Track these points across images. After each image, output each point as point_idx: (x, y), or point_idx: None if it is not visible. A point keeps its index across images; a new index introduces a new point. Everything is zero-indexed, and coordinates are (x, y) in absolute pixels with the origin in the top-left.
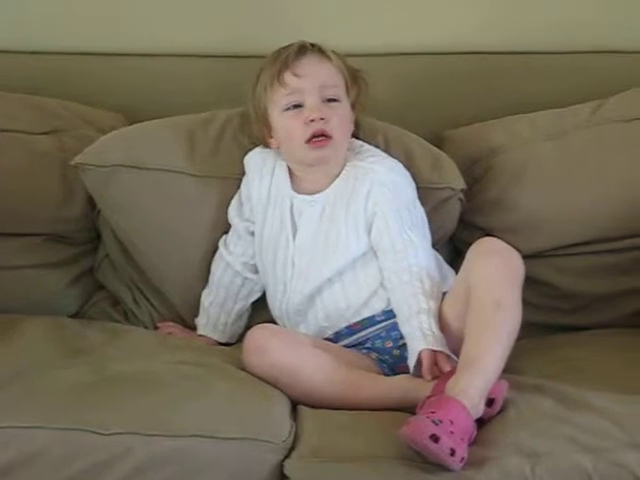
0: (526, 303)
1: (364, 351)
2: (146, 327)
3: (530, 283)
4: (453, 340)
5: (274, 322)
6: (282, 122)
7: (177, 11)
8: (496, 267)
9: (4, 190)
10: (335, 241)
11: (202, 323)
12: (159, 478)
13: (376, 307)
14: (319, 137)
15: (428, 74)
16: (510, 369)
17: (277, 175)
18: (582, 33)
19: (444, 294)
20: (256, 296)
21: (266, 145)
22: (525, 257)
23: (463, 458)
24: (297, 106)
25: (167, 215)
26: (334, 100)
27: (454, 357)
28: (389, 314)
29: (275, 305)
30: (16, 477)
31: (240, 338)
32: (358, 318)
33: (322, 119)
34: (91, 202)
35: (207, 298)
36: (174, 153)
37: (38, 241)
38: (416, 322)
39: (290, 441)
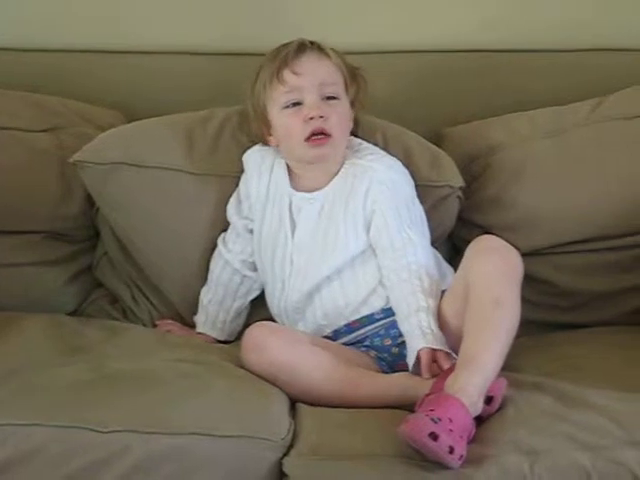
0: (525, 301)
1: (363, 349)
2: (145, 325)
3: (529, 281)
4: (452, 338)
5: (273, 320)
6: (281, 120)
7: (176, 9)
8: (495, 265)
9: (3, 187)
10: (334, 239)
11: (201, 321)
12: (158, 476)
13: (375, 305)
14: (318, 135)
15: (427, 72)
16: (509, 367)
17: (276, 173)
18: (582, 31)
19: (443, 292)
20: (255, 294)
21: (265, 143)
22: (524, 255)
23: (462, 456)
24: (296, 104)
25: (166, 213)
26: (333, 98)
27: (454, 355)
28: (388, 312)
29: (274, 303)
30: (14, 474)
31: (239, 336)
32: (357, 316)
33: (321, 117)
34: (90, 200)
35: (206, 296)
36: (173, 151)
37: (37, 239)
38: (415, 320)
39: (289, 439)
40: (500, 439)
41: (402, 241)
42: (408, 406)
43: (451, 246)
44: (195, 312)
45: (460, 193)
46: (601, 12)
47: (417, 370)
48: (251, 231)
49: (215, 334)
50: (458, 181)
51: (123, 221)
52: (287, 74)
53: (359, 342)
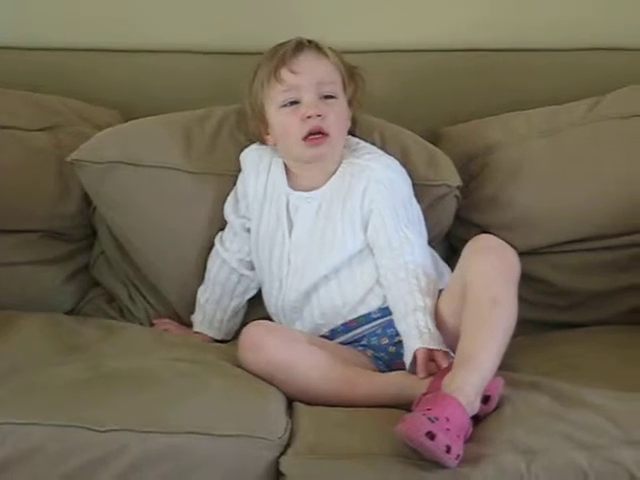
0: (522, 300)
1: (360, 348)
2: (142, 324)
3: (526, 280)
4: (449, 337)
5: (270, 319)
6: (279, 119)
7: (174, 8)
8: (492, 264)
9: (0, 186)
10: (331, 238)
11: (198, 320)
12: (155, 475)
13: (372, 304)
14: (316, 134)
15: (425, 71)
16: (506, 366)
17: (273, 172)
18: (580, 30)
19: (440, 291)
20: (252, 293)
21: (263, 142)
22: (521, 254)
23: (459, 455)
24: (294, 103)
25: (163, 212)
26: (331, 97)
27: (452, 354)
28: (385, 311)
29: (271, 302)
30: (12, 473)
31: (236, 335)
32: (354, 315)
33: (319, 116)
34: (87, 199)
35: (203, 295)
36: (170, 150)
37: (34, 238)
38: (412, 320)
39: (286, 438)
40: (497, 438)
41: (399, 240)
42: (405, 405)
43: (448, 245)
44: (192, 311)
45: (457, 192)
46: (599, 11)
47: (414, 369)
48: (248, 230)
49: (212, 333)
50: (455, 180)
51: (120, 220)
52: (285, 73)
53: (356, 341)
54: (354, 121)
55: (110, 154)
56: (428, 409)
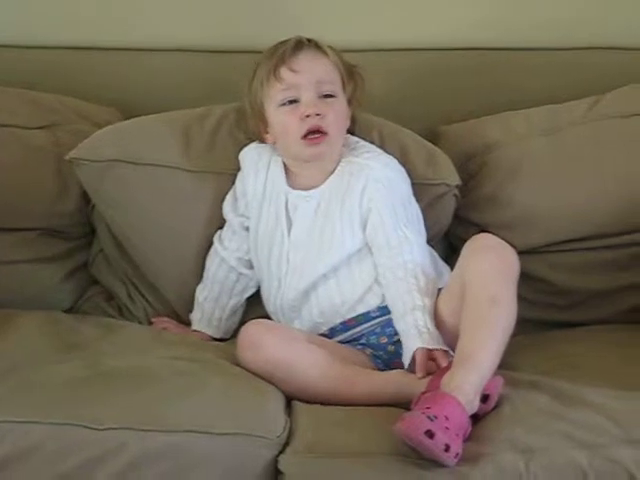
0: (521, 299)
1: (359, 347)
2: (140, 322)
3: (525, 279)
4: (448, 336)
5: (268, 318)
6: (278, 117)
7: (174, 6)
8: (491, 263)
9: None
10: (330, 237)
11: (196, 318)
12: (153, 473)
13: (371, 303)
14: (315, 133)
15: (424, 70)
16: (505, 365)
17: (272, 171)
18: (579, 29)
19: (439, 290)
20: (251, 292)
21: (262, 140)
22: (520, 253)
23: (458, 454)
24: (293, 101)
25: (162, 210)
26: (330, 96)
27: (452, 352)
28: (384, 310)
29: (270, 301)
30: (11, 472)
31: (234, 334)
32: (353, 314)
33: (318, 115)
34: (86, 197)
35: (202, 293)
36: (169, 148)
37: (32, 236)
38: (411, 319)
39: (284, 436)
40: (496, 437)
41: (398, 239)
42: (404, 404)
43: (447, 244)
44: (191, 309)
45: (456, 191)
46: (599, 10)
47: (413, 369)
48: (247, 229)
49: (211, 332)
50: (454, 179)
51: (119, 218)
52: (284, 71)
53: (355, 340)
54: (353, 120)
55: (109, 152)
56: (427, 408)
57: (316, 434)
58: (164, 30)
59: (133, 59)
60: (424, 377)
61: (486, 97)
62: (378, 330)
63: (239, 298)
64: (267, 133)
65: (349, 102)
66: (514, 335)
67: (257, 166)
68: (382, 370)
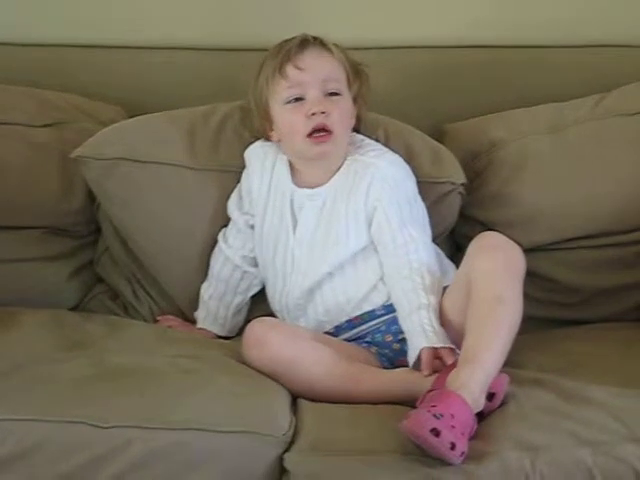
0: (527, 297)
1: (364, 345)
2: (146, 320)
3: (531, 277)
4: (454, 335)
5: (273, 316)
6: (283, 115)
7: (179, 4)
8: (497, 262)
9: (4, 183)
10: (335, 235)
11: (201, 316)
12: (159, 471)
13: (376, 301)
14: (320, 132)
15: (429, 68)
16: (511, 363)
17: (278, 169)
18: (585, 27)
19: (445, 289)
20: (255, 290)
21: (267, 138)
22: (526, 251)
23: (463, 452)
24: (298, 99)
25: (167, 208)
26: (336, 94)
27: (457, 350)
28: (389, 308)
29: (275, 299)
30: (15, 470)
31: (240, 332)
32: (358, 312)
33: (323, 113)
34: (91, 195)
35: (206, 291)
36: (174, 146)
37: (38, 234)
38: (416, 318)
39: (290, 435)
40: (501, 435)
41: (403, 238)
42: (410, 402)
43: (453, 243)
44: (196, 308)
45: (462, 189)
46: (603, 8)
47: (418, 367)
48: (252, 227)
49: (216, 330)
50: (460, 177)
51: (124, 216)
52: (290, 69)
53: (360, 338)
54: (359, 118)
55: (114, 150)
56: (433, 406)
57: (322, 432)
58: (169, 28)
59: (138, 57)
60: (431, 375)
61: (492, 95)
62: (383, 328)
63: (244, 296)
64: (272, 131)
65: (354, 100)
66: (520, 333)
67: (263, 164)
68: (387, 368)
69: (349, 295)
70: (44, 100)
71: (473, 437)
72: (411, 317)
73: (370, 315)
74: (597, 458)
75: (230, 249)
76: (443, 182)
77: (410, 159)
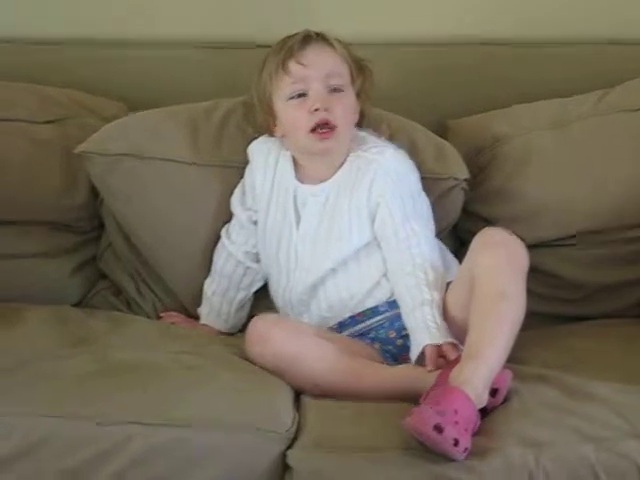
0: (530, 293)
1: (367, 341)
2: (149, 316)
3: (534, 273)
4: (457, 330)
5: (276, 312)
6: (286, 111)
7: (181, 0)
8: (500, 257)
9: (7, 179)
10: (338, 231)
11: (205, 312)
12: (161, 467)
13: (379, 297)
14: (323, 127)
15: (432, 64)
16: (514, 359)
17: (281, 165)
18: (587, 23)
19: (448, 284)
20: (258, 285)
21: (271, 134)
22: (529, 247)
23: (467, 448)
24: (301, 95)
25: (170, 204)
26: (339, 89)
27: (461, 346)
28: (393, 304)
29: (278, 295)
30: (20, 465)
31: (243, 328)
32: (361, 308)
33: (326, 109)
34: (94, 191)
35: (209, 287)
36: (177, 142)
37: (41, 230)
38: (420, 314)
39: (293, 431)
40: (505, 431)
41: (405, 232)
42: (413, 398)
43: (456, 238)
44: (199, 304)
45: (465, 185)
46: (607, 4)
47: (421, 363)
48: (255, 222)
49: (219, 326)
50: (463, 173)
51: (127, 212)
52: (293, 65)
53: (363, 334)
54: (362, 114)
55: (117, 146)
56: (436, 402)
57: (325, 429)
58: (171, 24)
59: (140, 53)
60: (434, 371)
61: (495, 91)
62: (387, 324)
63: (246, 292)
64: (276, 127)
65: (358, 96)
66: (523, 329)
67: (266, 160)
68: (390, 364)
69: (352, 291)
70: (46, 96)
71: (476, 433)
72: (414, 313)
73: (373, 311)
74: (600, 454)
75: (233, 245)
76: (446, 178)
77: (414, 155)
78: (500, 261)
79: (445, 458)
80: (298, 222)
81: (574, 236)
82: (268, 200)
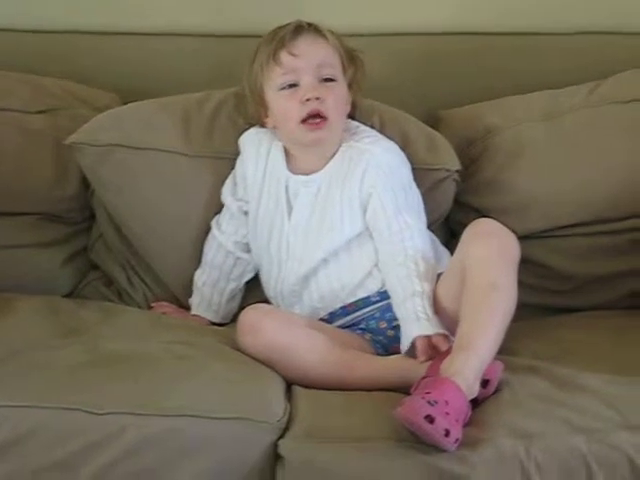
0: (521, 284)
1: (358, 331)
2: (140, 307)
3: (525, 264)
4: (448, 321)
5: (267, 302)
6: (278, 101)
7: None
8: (491, 248)
9: None
10: (330, 222)
11: (195, 303)
12: (153, 457)
13: (371, 288)
14: (315, 118)
15: (424, 54)
16: (505, 350)
17: (273, 155)
18: (580, 13)
19: (439, 275)
20: (249, 276)
21: (262, 125)
22: (520, 238)
23: (458, 439)
24: (293, 85)
25: (161, 195)
26: (330, 80)
27: (451, 337)
28: (384, 295)
29: (270, 285)
30: (10, 456)
31: (234, 318)
32: (353, 299)
33: (318, 99)
34: (85, 181)
35: (200, 278)
36: (168, 133)
37: (32, 220)
38: (410, 305)
39: (284, 421)
40: (496, 422)
41: (399, 225)
42: (404, 389)
43: (447, 229)
44: (190, 294)
45: (457, 176)
46: None
47: (411, 354)
48: (245, 213)
49: (210, 316)
50: (455, 164)
51: (118, 203)
52: (284, 55)
53: (355, 325)
54: (354, 105)
55: (108, 137)
56: (427, 392)
57: (316, 419)
58: (164, 14)
59: (133, 43)
60: (425, 361)
61: (487, 82)
62: (378, 315)
63: (237, 282)
64: (267, 117)
65: (349, 86)
66: (514, 320)
67: (258, 151)
68: (382, 355)
69: (344, 282)
70: (39, 86)
71: (467, 424)
72: (405, 304)
73: (365, 302)
74: (591, 445)
75: (223, 235)
76: (438, 169)
77: (405, 146)
78: (491, 252)
79: (436, 448)
80: (290, 213)
81: (565, 227)
82: (260, 191)
